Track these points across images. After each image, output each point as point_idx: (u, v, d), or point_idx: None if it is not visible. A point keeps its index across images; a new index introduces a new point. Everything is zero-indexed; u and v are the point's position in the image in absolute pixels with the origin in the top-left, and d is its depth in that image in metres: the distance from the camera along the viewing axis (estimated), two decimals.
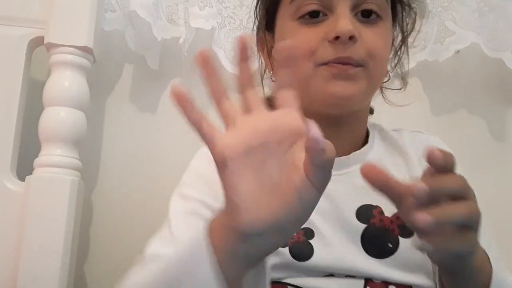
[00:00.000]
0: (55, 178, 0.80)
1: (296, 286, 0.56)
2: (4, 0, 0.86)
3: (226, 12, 0.98)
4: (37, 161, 0.82)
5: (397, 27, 0.69)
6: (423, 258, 0.51)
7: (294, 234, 0.56)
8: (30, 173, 0.82)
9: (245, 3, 0.98)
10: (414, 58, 0.99)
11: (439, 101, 1.03)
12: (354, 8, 0.58)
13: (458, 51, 0.98)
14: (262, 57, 0.70)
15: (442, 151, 0.42)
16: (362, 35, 0.57)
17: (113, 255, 0.95)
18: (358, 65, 0.57)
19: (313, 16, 0.59)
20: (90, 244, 0.95)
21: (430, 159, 0.42)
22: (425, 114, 1.03)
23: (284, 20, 0.62)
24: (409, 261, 0.56)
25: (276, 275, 0.56)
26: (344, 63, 0.57)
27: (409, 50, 0.99)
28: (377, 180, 0.42)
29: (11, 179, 0.82)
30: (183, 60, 0.97)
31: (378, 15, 0.60)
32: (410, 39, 0.72)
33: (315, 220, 0.57)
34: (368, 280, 0.56)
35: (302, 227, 0.51)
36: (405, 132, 0.69)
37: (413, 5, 0.68)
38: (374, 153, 0.64)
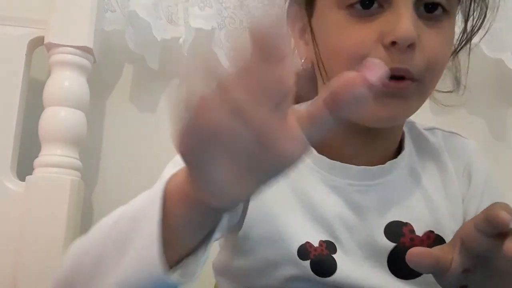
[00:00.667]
0: (55, 178, 0.81)
1: None
2: (4, 0, 0.87)
3: (226, 12, 0.98)
4: (37, 161, 0.82)
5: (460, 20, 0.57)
6: None
7: (317, 246, 0.50)
8: (30, 173, 0.82)
9: (245, 3, 0.99)
10: None
11: (439, 101, 1.03)
12: (419, 1, 0.47)
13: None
14: (292, 34, 0.57)
15: (508, 213, 0.37)
16: (423, 40, 0.47)
17: None
18: (413, 79, 0.48)
19: (366, 6, 0.47)
20: None
21: (499, 225, 0.37)
22: (425, 114, 1.03)
23: (328, 6, 0.50)
24: (436, 282, 0.50)
25: (294, 286, 0.51)
26: (398, 77, 0.47)
27: None
28: (426, 265, 0.40)
29: (11, 179, 0.83)
30: (183, 60, 0.97)
31: (444, 9, 0.49)
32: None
33: (339, 234, 0.51)
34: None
35: (325, 239, 0.50)
36: (440, 134, 0.60)
37: None
38: (407, 161, 0.56)
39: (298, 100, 0.43)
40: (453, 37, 0.53)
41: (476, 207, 0.56)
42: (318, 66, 0.53)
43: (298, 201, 0.51)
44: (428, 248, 0.40)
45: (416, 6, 0.47)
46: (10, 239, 0.79)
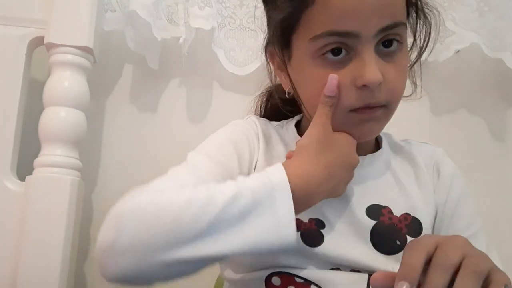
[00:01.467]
0: (55, 178, 0.81)
1: (303, 278, 0.57)
2: (4, 0, 0.87)
3: (226, 12, 0.98)
4: (37, 161, 0.82)
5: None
6: None
7: (307, 221, 0.60)
8: (30, 173, 0.82)
9: (245, 3, 0.99)
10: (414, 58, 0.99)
11: (439, 101, 1.03)
12: (377, 44, 0.56)
13: (458, 51, 0.98)
14: (272, 66, 0.68)
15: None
16: (385, 76, 0.56)
17: None
18: (382, 106, 0.57)
19: (335, 54, 0.56)
20: (90, 244, 0.95)
21: None
22: (425, 114, 1.03)
23: (304, 56, 0.59)
24: None
25: (284, 261, 0.58)
26: (371, 107, 0.57)
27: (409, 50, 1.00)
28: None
29: (11, 179, 0.83)
30: (183, 60, 0.97)
31: (399, 41, 0.57)
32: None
33: (327, 213, 0.60)
34: (372, 275, 0.56)
35: (314, 217, 0.60)
36: (413, 142, 0.71)
37: (428, 13, 0.65)
38: (385, 159, 0.67)
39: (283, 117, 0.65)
40: (407, 62, 0.63)
41: (445, 198, 0.66)
42: (297, 97, 0.64)
43: None
44: (391, 272, 0.44)
45: (376, 47, 0.56)
46: (10, 239, 0.79)
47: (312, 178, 0.53)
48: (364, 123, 0.58)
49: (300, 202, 0.51)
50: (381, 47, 0.56)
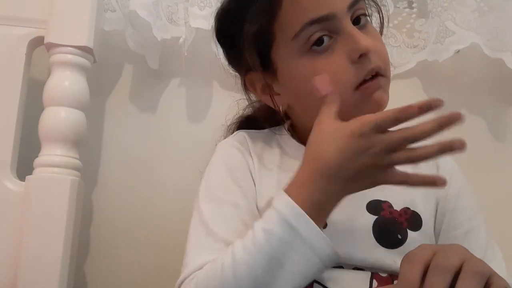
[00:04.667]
0: (55, 178, 0.80)
1: None
2: (4, 0, 0.87)
3: None
4: (37, 161, 0.82)
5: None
6: None
7: None
8: (30, 173, 0.82)
9: None
10: (414, 58, 0.99)
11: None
12: (350, 19, 0.60)
13: (458, 51, 0.98)
14: (256, 95, 0.70)
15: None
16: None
17: (113, 255, 0.95)
18: (382, 75, 0.59)
19: (320, 43, 0.58)
20: (90, 244, 0.95)
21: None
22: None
23: (290, 58, 0.61)
24: None
25: None
26: (373, 76, 0.59)
27: (409, 50, 1.00)
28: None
29: (11, 179, 0.83)
30: (183, 60, 0.97)
31: (365, 15, 0.62)
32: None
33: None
34: (374, 273, 0.57)
35: None
36: None
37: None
38: None
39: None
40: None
41: (445, 191, 0.65)
42: (292, 109, 0.66)
43: None
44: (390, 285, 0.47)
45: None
46: (10, 239, 0.79)
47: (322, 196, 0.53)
48: (372, 95, 0.59)
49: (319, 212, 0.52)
50: (354, 25, 0.59)
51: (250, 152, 0.66)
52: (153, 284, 0.93)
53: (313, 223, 0.51)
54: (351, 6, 0.59)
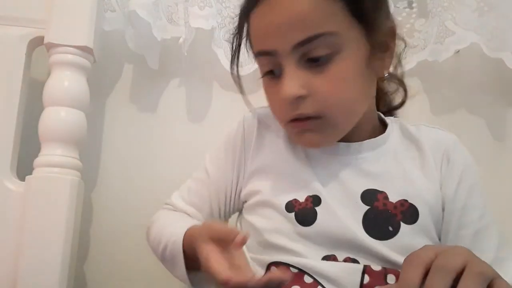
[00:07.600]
0: (55, 178, 0.80)
1: (298, 268, 0.58)
2: (4, 0, 0.87)
3: (226, 12, 0.98)
4: (37, 161, 0.82)
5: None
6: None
7: (303, 200, 0.62)
8: (30, 173, 0.82)
9: None
10: (414, 58, 0.99)
11: (439, 101, 1.03)
12: (301, 58, 0.58)
13: (458, 51, 0.98)
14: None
15: None
16: (313, 87, 0.57)
17: (113, 255, 0.95)
18: (314, 117, 0.59)
19: (269, 74, 0.62)
20: (90, 244, 0.95)
21: None
22: (425, 114, 1.03)
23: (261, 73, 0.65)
24: (409, 246, 0.55)
25: (278, 240, 0.60)
26: (299, 120, 0.60)
27: (409, 50, 1.00)
28: None
29: (11, 179, 0.83)
30: (183, 60, 0.97)
31: (328, 57, 0.57)
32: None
33: (324, 193, 0.62)
34: (367, 266, 0.57)
35: (312, 194, 0.62)
36: (423, 128, 0.69)
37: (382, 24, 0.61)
38: (390, 144, 0.67)
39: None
40: (350, 68, 0.58)
41: (455, 187, 0.64)
42: None
43: (290, 169, 0.65)
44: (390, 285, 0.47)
45: (300, 61, 0.58)
46: (10, 239, 0.79)
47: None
48: (300, 134, 0.61)
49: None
50: (308, 60, 0.58)
51: (254, 132, 0.70)
52: (153, 284, 0.93)
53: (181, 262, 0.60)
54: (298, 45, 0.56)
